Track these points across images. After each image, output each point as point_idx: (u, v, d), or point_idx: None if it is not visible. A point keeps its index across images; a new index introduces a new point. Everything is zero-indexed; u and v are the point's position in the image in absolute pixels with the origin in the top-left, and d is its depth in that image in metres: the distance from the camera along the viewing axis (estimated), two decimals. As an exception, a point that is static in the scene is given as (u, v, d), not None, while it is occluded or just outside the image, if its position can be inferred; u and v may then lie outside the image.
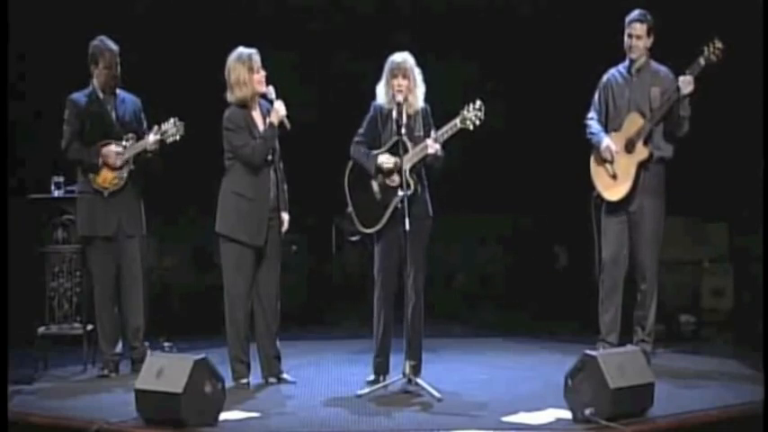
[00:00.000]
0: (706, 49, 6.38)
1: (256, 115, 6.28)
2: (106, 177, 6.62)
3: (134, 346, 6.72)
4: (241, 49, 6.24)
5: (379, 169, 6.22)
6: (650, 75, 6.67)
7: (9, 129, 6.72)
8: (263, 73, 6.24)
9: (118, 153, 6.59)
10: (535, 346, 7.62)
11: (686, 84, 6.42)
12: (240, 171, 6.23)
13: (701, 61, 6.39)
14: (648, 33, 6.63)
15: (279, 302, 6.37)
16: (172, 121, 6.63)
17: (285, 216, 6.38)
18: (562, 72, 8.51)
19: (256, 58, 6.22)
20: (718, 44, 6.35)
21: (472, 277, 9.59)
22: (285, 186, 6.40)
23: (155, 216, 7.00)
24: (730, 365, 6.75)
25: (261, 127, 6.27)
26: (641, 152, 6.59)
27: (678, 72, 6.52)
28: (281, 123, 6.25)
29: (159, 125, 6.64)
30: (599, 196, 6.74)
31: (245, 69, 6.20)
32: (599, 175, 6.75)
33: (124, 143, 6.62)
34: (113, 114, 6.69)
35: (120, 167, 6.61)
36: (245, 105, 6.25)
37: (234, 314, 6.27)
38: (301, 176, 6.79)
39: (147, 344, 6.68)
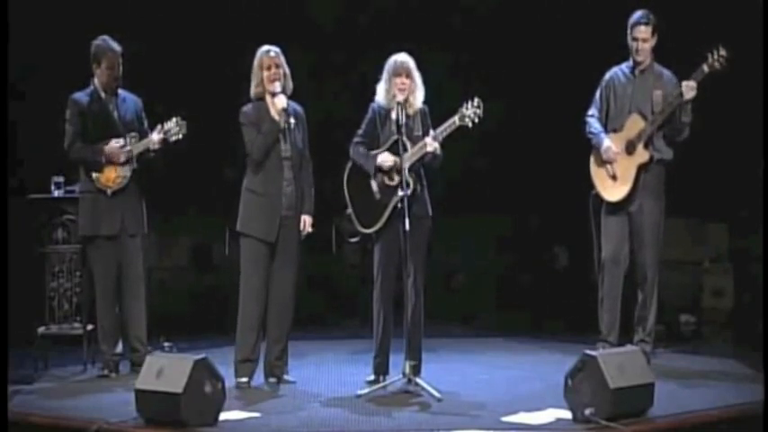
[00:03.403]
0: (710, 56, 6.36)
1: (273, 112, 6.28)
2: (110, 176, 6.62)
3: (135, 348, 6.71)
4: (263, 47, 6.27)
5: (379, 168, 6.23)
6: (654, 77, 6.66)
7: (9, 129, 6.73)
8: (275, 71, 6.24)
9: (122, 147, 6.59)
10: (535, 346, 7.62)
11: (689, 89, 6.40)
12: (252, 168, 6.26)
13: (705, 68, 6.37)
14: (653, 33, 6.63)
15: (293, 302, 6.35)
16: (174, 120, 6.64)
17: (307, 218, 6.34)
18: (562, 71, 8.51)
19: (272, 55, 6.23)
20: (722, 52, 6.33)
21: (472, 277, 9.59)
22: (312, 191, 6.38)
23: (155, 216, 7.00)
24: (730, 365, 6.75)
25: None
26: (642, 155, 6.59)
27: (681, 75, 6.51)
28: (287, 122, 6.24)
29: (162, 124, 6.65)
30: (598, 196, 6.75)
31: (256, 65, 6.26)
32: (598, 176, 6.76)
33: (127, 141, 6.63)
34: (115, 114, 6.69)
35: (124, 164, 6.61)
36: (263, 100, 6.27)
37: (246, 311, 6.26)
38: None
39: (149, 348, 6.66)
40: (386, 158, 6.20)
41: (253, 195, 6.25)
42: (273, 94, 6.25)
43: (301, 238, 6.36)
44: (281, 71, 6.26)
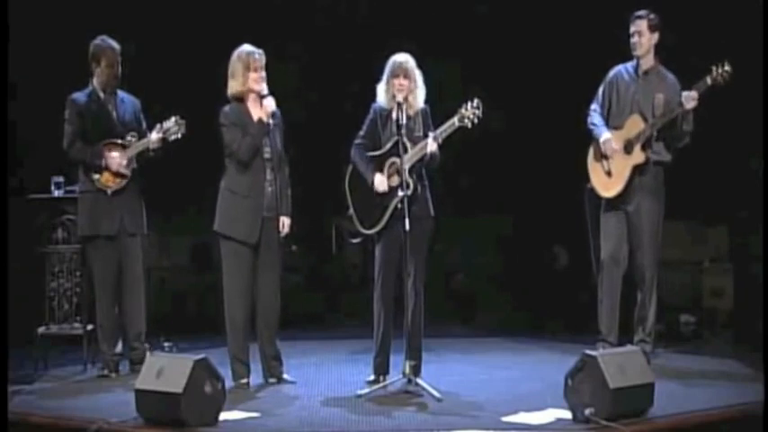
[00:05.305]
0: (714, 69, 6.34)
1: (255, 113, 6.27)
2: (109, 177, 6.63)
3: (134, 347, 6.72)
4: (245, 46, 6.26)
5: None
6: (657, 79, 6.67)
7: (9, 129, 6.73)
8: (262, 73, 6.24)
9: (120, 163, 6.59)
10: (535, 346, 7.62)
11: (689, 99, 6.40)
12: (234, 168, 6.24)
13: (708, 81, 6.37)
14: (652, 30, 6.64)
15: (279, 302, 6.36)
16: (173, 119, 6.65)
17: (285, 220, 6.35)
18: (562, 72, 8.51)
19: (257, 57, 6.23)
20: (727, 68, 6.31)
21: (472, 277, 9.59)
22: (289, 191, 6.38)
23: (155, 215, 7.00)
24: (730, 365, 6.75)
25: None
26: (638, 156, 6.60)
27: (684, 81, 6.52)
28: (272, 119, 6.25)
29: (161, 123, 6.65)
30: (593, 189, 6.77)
31: (241, 65, 6.22)
32: (595, 170, 6.78)
33: (128, 138, 6.63)
34: (114, 114, 6.70)
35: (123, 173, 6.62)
36: (242, 101, 6.26)
37: (232, 313, 6.26)
38: (301, 176, 6.79)
39: (147, 345, 6.67)
40: (380, 182, 6.19)
41: (235, 196, 6.23)
42: (262, 96, 6.25)
43: (281, 239, 6.36)
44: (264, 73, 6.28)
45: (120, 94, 6.76)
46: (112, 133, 6.65)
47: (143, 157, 6.68)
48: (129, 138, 6.66)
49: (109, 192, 6.62)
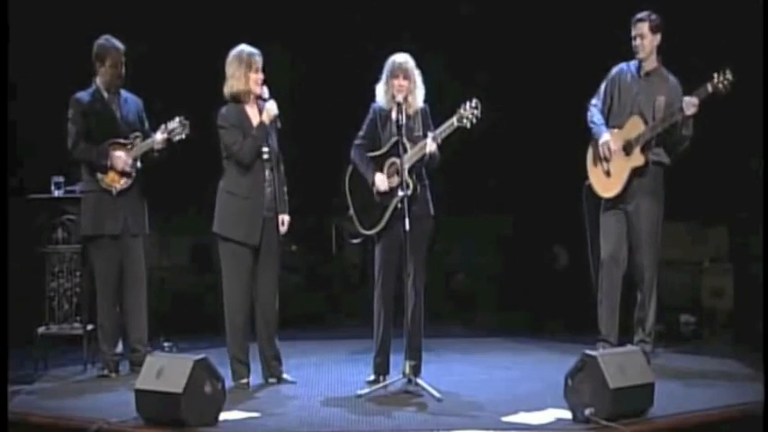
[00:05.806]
0: (716, 76, 6.30)
1: (252, 114, 6.28)
2: (115, 177, 6.63)
3: (135, 348, 6.72)
4: (243, 46, 6.26)
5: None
6: (659, 81, 6.65)
7: (9, 129, 6.73)
8: (260, 75, 6.25)
9: (126, 162, 6.59)
10: (535, 346, 7.62)
11: (690, 105, 6.38)
12: (234, 170, 6.24)
13: (709, 88, 6.33)
14: (653, 31, 6.63)
15: (277, 302, 6.36)
16: (178, 119, 6.65)
17: (285, 218, 6.37)
18: (562, 72, 8.51)
19: (257, 58, 6.23)
20: (729, 75, 6.28)
21: (472, 277, 9.59)
22: (285, 189, 6.39)
23: (155, 215, 7.00)
24: (730, 365, 6.75)
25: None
26: (637, 158, 6.59)
27: (684, 82, 6.51)
28: (273, 122, 6.26)
29: (166, 124, 6.65)
30: (591, 187, 6.78)
31: (242, 66, 6.22)
32: (594, 169, 6.78)
33: (131, 141, 6.63)
34: (118, 114, 6.70)
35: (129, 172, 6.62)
36: (239, 102, 6.26)
37: (232, 314, 6.26)
38: (301, 176, 6.79)
39: (149, 349, 6.65)
40: (381, 181, 6.20)
41: (235, 198, 6.23)
42: (264, 99, 6.25)
43: (280, 238, 6.36)
44: None
45: (124, 93, 6.76)
46: (116, 133, 6.65)
47: (147, 158, 6.69)
48: (132, 138, 6.66)
49: (114, 192, 6.62)
